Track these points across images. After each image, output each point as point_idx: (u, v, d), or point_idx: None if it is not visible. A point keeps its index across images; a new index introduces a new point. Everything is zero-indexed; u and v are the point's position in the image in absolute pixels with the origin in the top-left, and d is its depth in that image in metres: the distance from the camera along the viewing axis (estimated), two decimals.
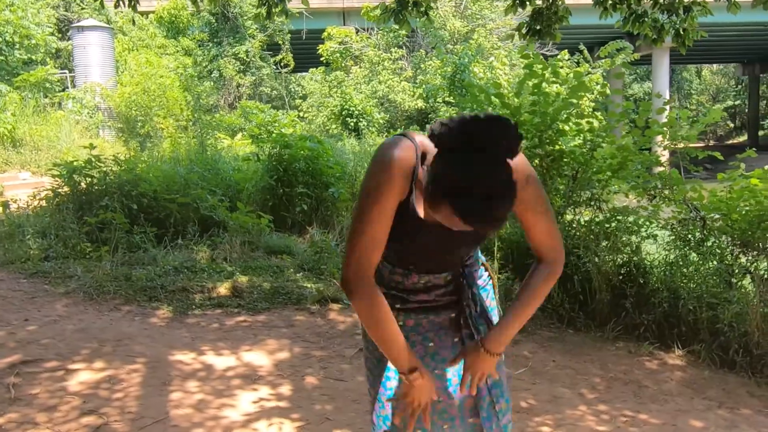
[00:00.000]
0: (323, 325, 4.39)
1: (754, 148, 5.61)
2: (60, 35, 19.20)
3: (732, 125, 40.24)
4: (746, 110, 37.30)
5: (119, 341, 3.90)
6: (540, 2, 5.00)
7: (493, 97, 5.51)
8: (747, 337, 3.76)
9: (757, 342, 3.73)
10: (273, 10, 5.18)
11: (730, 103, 41.11)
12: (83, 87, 15.52)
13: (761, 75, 36.07)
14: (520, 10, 4.99)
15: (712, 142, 37.73)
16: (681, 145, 5.53)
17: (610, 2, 5.05)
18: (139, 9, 5.97)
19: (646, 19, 4.96)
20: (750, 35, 25.72)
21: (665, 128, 5.34)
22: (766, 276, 4.52)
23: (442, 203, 1.34)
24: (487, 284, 1.78)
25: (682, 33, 4.93)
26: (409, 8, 5.03)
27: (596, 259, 4.55)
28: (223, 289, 5.01)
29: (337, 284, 5.13)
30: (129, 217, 6.22)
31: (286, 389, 3.31)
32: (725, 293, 4.05)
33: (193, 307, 4.66)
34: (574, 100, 5.75)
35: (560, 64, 8.47)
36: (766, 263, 4.72)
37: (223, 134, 13.34)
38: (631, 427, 2.98)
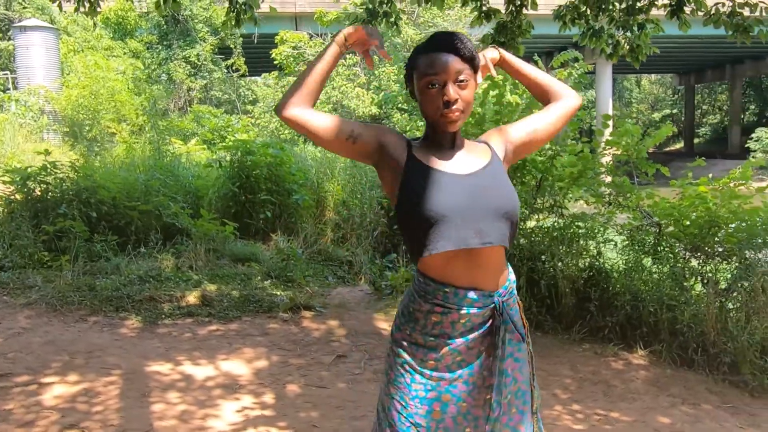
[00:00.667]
0: (298, 332, 4.41)
1: (691, 157, 5.94)
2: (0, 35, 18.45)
3: (669, 133, 42.03)
4: (682, 119, 39.06)
5: (90, 353, 3.82)
6: (504, 16, 5.16)
7: None
8: (704, 337, 3.99)
9: (713, 341, 3.96)
10: (242, 17, 5.16)
11: (667, 111, 42.97)
12: (27, 89, 14.96)
13: (696, 85, 37.88)
14: (485, 22, 5.13)
15: (652, 149, 39.34)
16: (634, 156, 5.80)
17: (569, 17, 5.26)
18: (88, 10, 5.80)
19: (603, 34, 5.19)
20: (686, 48, 26.99)
21: (621, 140, 5.58)
22: (716, 279, 4.80)
23: (415, 78, 1.59)
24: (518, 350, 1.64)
25: (636, 48, 5.18)
26: (379, 18, 5.11)
27: (560, 264, 4.73)
28: (192, 297, 4.96)
29: (309, 291, 5.17)
30: (88, 225, 6.06)
31: (268, 398, 3.32)
32: (682, 296, 4.28)
33: (163, 316, 4.60)
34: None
35: None
36: (713, 266, 5.00)
37: (176, 139, 13.09)
38: (605, 425, 3.13)
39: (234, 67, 21.99)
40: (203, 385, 3.44)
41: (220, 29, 16.73)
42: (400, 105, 16.02)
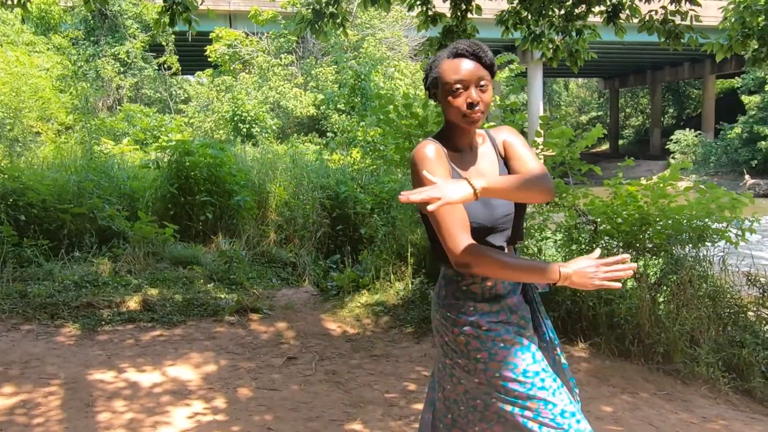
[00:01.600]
0: (245, 335, 4.35)
1: (615, 158, 6.25)
2: None
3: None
4: (608, 121, 40.80)
5: (26, 363, 3.65)
6: (450, 20, 5.26)
7: (400, 107, 5.71)
8: (639, 329, 4.19)
9: (648, 332, 4.17)
10: (177, 17, 5.04)
11: (594, 114, 44.81)
12: None
13: (620, 89, 39.67)
14: (431, 26, 5.21)
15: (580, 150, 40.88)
16: (568, 157, 6.04)
17: (511, 22, 5.43)
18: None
19: (543, 39, 5.38)
20: (611, 53, 28.21)
21: (555, 141, 5.78)
22: (647, 274, 5.06)
23: (441, 82, 1.74)
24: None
25: (574, 53, 5.40)
26: (326, 19, 5.10)
27: None
28: (132, 303, 4.80)
29: (255, 293, 5.09)
30: (17, 228, 5.77)
31: (220, 402, 3.26)
32: (618, 291, 4.48)
33: (103, 323, 4.44)
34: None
35: None
36: (643, 261, 5.27)
37: (107, 139, 12.61)
38: None
39: (166, 65, 21.37)
40: (150, 392, 3.35)
41: (152, 27, 16.24)
42: (339, 106, 16.02)
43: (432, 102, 6.18)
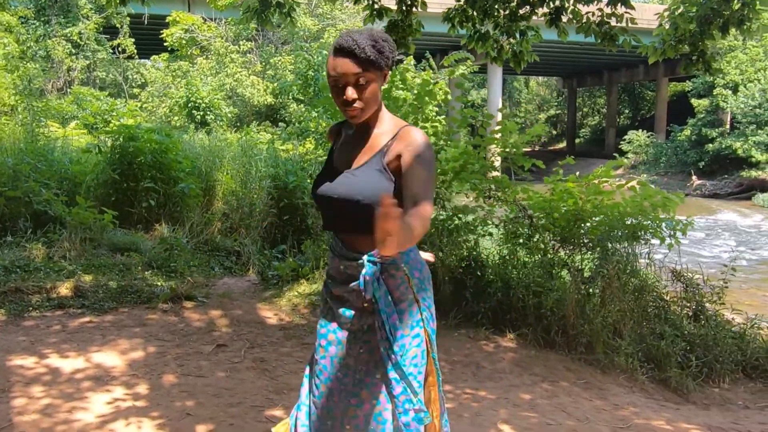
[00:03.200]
0: (178, 322, 4.32)
1: (572, 156, 6.41)
2: None
3: (554, 132, 44.59)
4: (566, 120, 41.57)
5: None
6: (396, 14, 5.30)
7: None
8: (564, 320, 4.34)
9: (573, 324, 4.32)
10: None
11: (552, 112, 45.56)
12: None
13: (578, 89, 40.43)
14: (377, 20, 5.24)
15: (537, 148, 41.60)
16: (512, 152, 6.16)
17: (457, 19, 5.49)
18: None
19: (488, 38, 5.47)
20: (568, 53, 28.74)
21: (498, 136, 5.89)
22: (579, 267, 5.22)
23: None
24: (405, 298, 1.80)
25: (518, 54, 5.50)
26: (272, 9, 5.07)
27: (440, 254, 4.95)
28: (63, 289, 4.71)
29: (190, 281, 5.06)
30: None
31: (142, 389, 3.25)
32: (548, 283, 4.62)
33: (30, 309, 4.35)
34: (420, 106, 6.17)
35: (407, 69, 8.95)
36: (579, 256, 5.43)
37: (53, 122, 12.25)
38: (473, 403, 3.34)
39: (121, 48, 20.85)
40: (71, 378, 3.31)
41: (105, 6, 15.82)
42: (295, 95, 15.91)
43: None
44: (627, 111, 40.86)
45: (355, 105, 1.69)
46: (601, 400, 3.54)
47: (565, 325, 4.34)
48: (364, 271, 1.74)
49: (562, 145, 41.09)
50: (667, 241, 5.29)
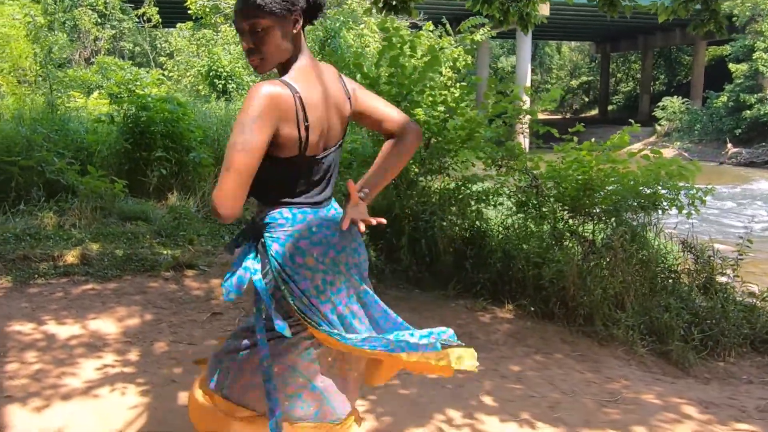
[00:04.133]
0: (177, 291, 4.38)
1: (583, 124, 6.22)
2: None
3: (586, 100, 43.55)
4: (598, 86, 40.50)
5: None
6: None
7: (351, 66, 5.64)
8: (564, 292, 4.26)
9: (573, 295, 4.24)
10: None
11: (584, 79, 44.40)
12: None
13: (612, 54, 39.23)
14: None
15: (569, 115, 40.72)
16: (527, 119, 6.01)
17: None
18: None
19: (494, 0, 5.29)
20: (602, 16, 27.77)
21: (511, 104, 5.74)
22: (591, 238, 5.11)
23: None
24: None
25: (525, 17, 5.32)
26: None
27: (444, 224, 4.89)
28: (70, 257, 4.81)
29: (191, 250, 5.11)
30: None
31: (133, 355, 3.31)
32: (548, 253, 4.54)
33: (36, 276, 4.45)
34: (430, 74, 6.03)
35: (423, 36, 8.77)
36: (591, 226, 5.31)
37: (77, 92, 12.41)
38: (458, 374, 3.31)
39: (146, 17, 20.89)
40: (66, 344, 3.39)
41: None
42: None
43: (383, 61, 6.04)
44: (662, 77, 39.59)
45: (254, 56, 1.61)
46: (593, 373, 3.48)
47: (564, 296, 4.26)
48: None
49: (594, 112, 40.13)
50: (686, 210, 5.12)
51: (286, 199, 1.68)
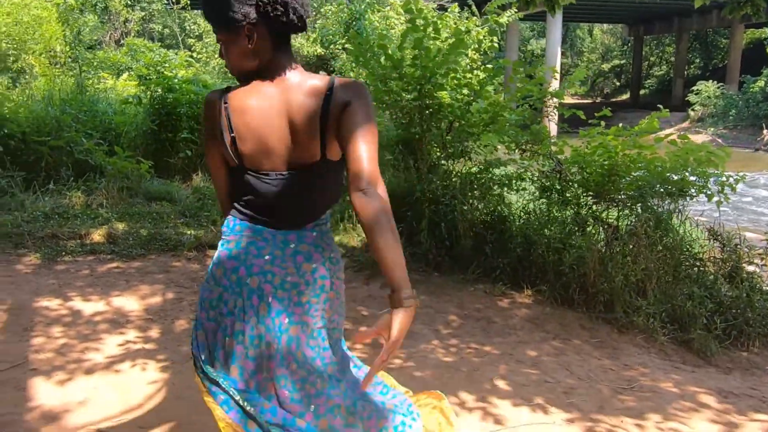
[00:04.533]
0: (199, 270, 4.45)
1: (610, 108, 6.11)
2: None
3: (617, 84, 42.65)
4: (630, 70, 39.59)
5: None
6: None
7: (375, 49, 5.61)
8: (585, 278, 4.22)
9: (593, 282, 4.19)
10: None
11: (616, 62, 43.44)
12: None
13: (645, 37, 38.27)
14: None
15: (599, 99, 39.97)
16: (554, 103, 5.93)
17: None
18: None
19: None
20: None
21: (537, 86, 5.65)
22: (615, 223, 5.04)
23: None
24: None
25: None
26: None
27: (464, 208, 4.87)
28: (97, 235, 4.92)
29: (213, 231, 5.17)
30: None
31: (154, 332, 3.38)
32: (570, 239, 4.49)
33: (64, 253, 4.56)
34: (453, 56, 5.97)
35: (449, 18, 8.65)
36: (616, 212, 5.24)
37: (107, 73, 12.59)
38: (474, 357, 3.32)
39: None
40: (90, 320, 3.48)
41: None
42: (344, 45, 15.70)
43: (407, 44, 6.00)
44: (697, 60, 38.54)
45: (229, 66, 1.60)
46: (611, 360, 3.45)
47: (585, 282, 4.22)
48: None
49: (626, 96, 39.29)
50: (716, 198, 5.02)
51: (236, 206, 1.64)
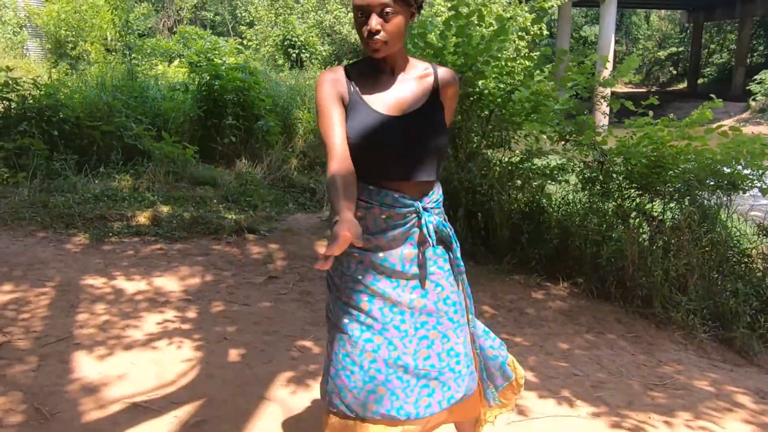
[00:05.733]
0: (238, 254, 4.56)
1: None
2: None
3: (674, 72, 41.18)
4: (688, 58, 38.14)
5: (30, 266, 3.98)
6: None
7: (416, 37, 5.59)
8: (623, 272, 4.13)
9: (631, 275, 4.11)
10: None
11: (674, 50, 41.90)
12: (2, 2, 14.66)
13: (705, 23, 36.76)
14: None
15: (654, 88, 38.67)
16: (606, 92, 5.80)
17: None
18: None
19: None
20: None
21: (584, 75, 5.52)
22: (660, 217, 4.91)
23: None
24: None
25: None
26: None
27: (504, 198, 4.82)
28: (142, 218, 5.09)
29: (253, 216, 5.28)
30: (50, 143, 6.14)
31: (191, 313, 3.50)
32: (609, 232, 4.40)
33: (111, 234, 4.74)
34: (496, 44, 5.89)
35: (495, 3, 8.55)
36: (661, 205, 5.09)
37: (159, 60, 12.94)
38: None
39: None
40: (132, 299, 3.62)
41: None
42: None
43: (449, 32, 5.95)
44: (761, 48, 36.78)
45: (378, 37, 1.60)
46: (645, 355, 3.38)
47: (622, 276, 4.13)
48: (426, 219, 1.71)
49: (683, 85, 37.90)
50: None
51: None
